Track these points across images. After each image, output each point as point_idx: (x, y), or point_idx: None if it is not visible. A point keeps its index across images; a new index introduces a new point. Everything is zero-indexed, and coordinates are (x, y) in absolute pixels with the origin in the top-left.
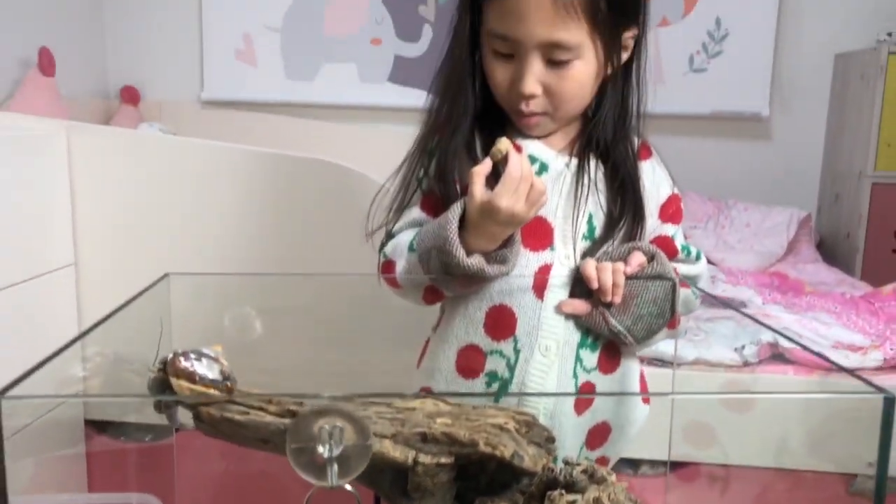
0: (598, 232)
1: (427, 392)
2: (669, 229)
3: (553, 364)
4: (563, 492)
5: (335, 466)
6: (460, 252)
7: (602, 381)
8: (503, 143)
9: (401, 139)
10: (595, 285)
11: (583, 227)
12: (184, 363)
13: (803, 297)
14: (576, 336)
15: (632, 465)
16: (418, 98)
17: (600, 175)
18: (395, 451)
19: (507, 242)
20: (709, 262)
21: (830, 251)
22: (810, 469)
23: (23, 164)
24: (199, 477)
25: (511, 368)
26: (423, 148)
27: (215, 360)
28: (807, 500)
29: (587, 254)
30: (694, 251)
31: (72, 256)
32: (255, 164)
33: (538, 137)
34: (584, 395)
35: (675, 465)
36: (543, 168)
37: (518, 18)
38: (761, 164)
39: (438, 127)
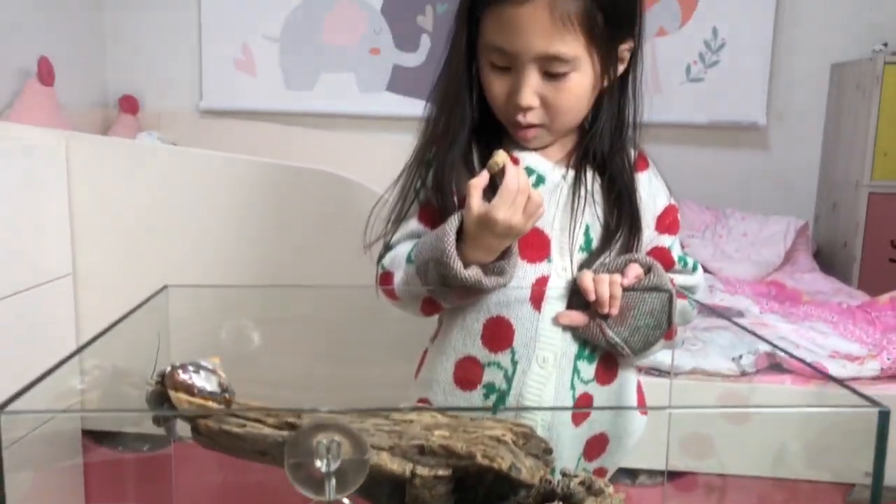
0: (595, 243)
1: (425, 403)
2: (666, 240)
3: (550, 375)
4: (561, 503)
5: (333, 481)
6: (458, 264)
7: (599, 393)
8: (500, 156)
9: (399, 148)
10: (592, 297)
11: (580, 239)
12: (182, 376)
13: (800, 307)
14: (573, 347)
15: (630, 474)
16: (417, 107)
17: (597, 187)
18: (393, 464)
19: (505, 254)
20: (706, 271)
21: (828, 260)
22: (808, 479)
23: (22, 173)
24: (197, 488)
25: (509, 380)
26: (420, 159)
27: (213, 372)
28: None
29: (584, 265)
30: (691, 262)
31: (70, 266)
32: (253, 174)
33: (535, 149)
34: (581, 409)
35: (673, 475)
36: (540, 180)
37: (515, 31)
38: (759, 174)
39: (436, 138)
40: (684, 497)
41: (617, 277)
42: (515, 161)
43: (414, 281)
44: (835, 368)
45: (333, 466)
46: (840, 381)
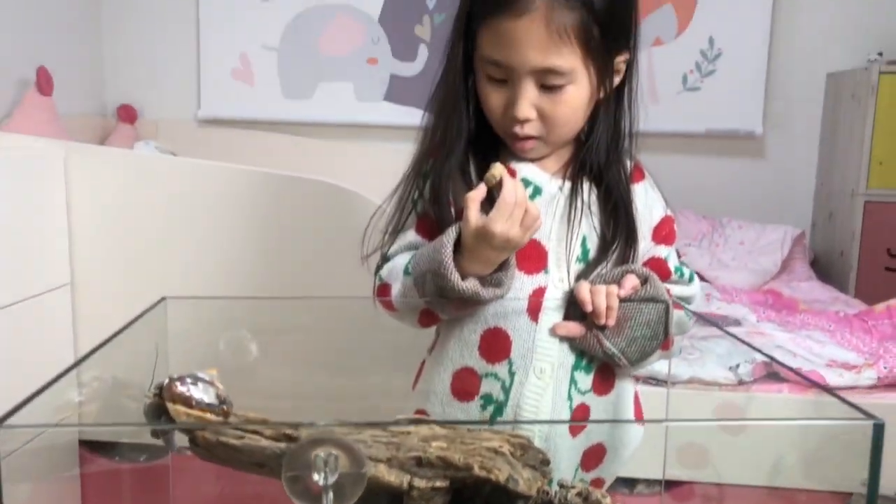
0: (591, 254)
1: (422, 415)
2: (662, 251)
3: (548, 386)
4: None
5: (330, 494)
6: (455, 276)
7: (597, 403)
8: (497, 169)
9: (397, 157)
10: (589, 308)
11: (576, 250)
12: (180, 388)
13: (797, 315)
14: (570, 358)
15: (628, 484)
16: (414, 117)
17: (594, 198)
18: (391, 476)
19: (503, 266)
20: (704, 279)
21: (824, 269)
22: (805, 488)
23: (20, 183)
24: (195, 499)
25: (506, 391)
26: (417, 171)
27: (211, 383)
28: None
29: (581, 276)
30: (687, 273)
31: (68, 276)
32: (251, 184)
33: (532, 160)
34: (578, 423)
35: (671, 485)
36: (537, 191)
37: (512, 45)
38: (755, 182)
39: (433, 150)
40: None
41: (614, 288)
42: (512, 173)
43: (411, 292)
44: (832, 377)
45: (331, 480)
46: (835, 394)
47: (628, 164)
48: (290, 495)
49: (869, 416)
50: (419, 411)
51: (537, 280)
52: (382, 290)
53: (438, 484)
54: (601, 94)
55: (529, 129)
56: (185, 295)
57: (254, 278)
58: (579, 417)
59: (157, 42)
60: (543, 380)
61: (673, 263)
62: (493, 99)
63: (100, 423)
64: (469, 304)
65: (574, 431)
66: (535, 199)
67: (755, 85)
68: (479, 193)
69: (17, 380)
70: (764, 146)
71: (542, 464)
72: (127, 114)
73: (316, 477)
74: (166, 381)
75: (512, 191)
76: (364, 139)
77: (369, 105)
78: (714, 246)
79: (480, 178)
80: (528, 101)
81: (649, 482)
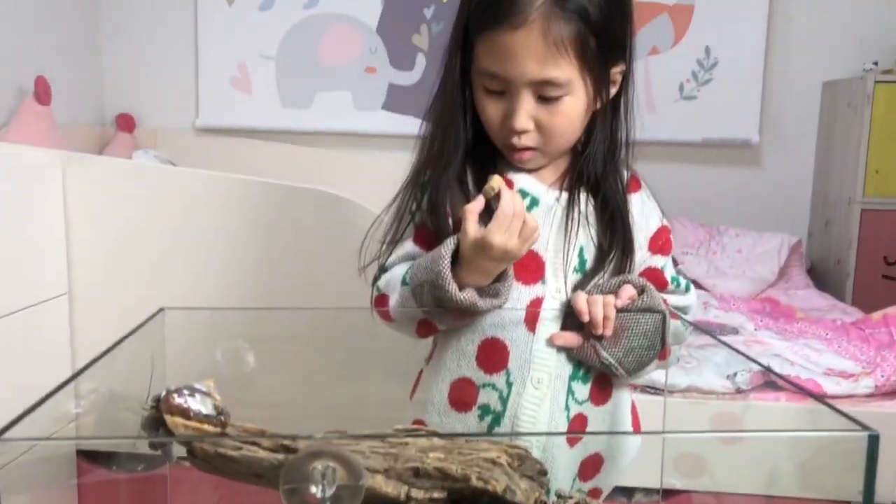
0: (588, 265)
1: (420, 425)
2: (659, 261)
3: (545, 396)
4: None
5: None
6: (453, 286)
7: (594, 413)
8: (495, 181)
9: (395, 166)
10: (586, 318)
11: (574, 261)
12: (177, 399)
13: (795, 324)
14: (567, 368)
15: (626, 493)
16: (412, 125)
17: (590, 208)
18: (388, 487)
19: (500, 276)
20: (701, 287)
21: (822, 277)
22: (802, 497)
23: (18, 193)
24: None
25: (503, 401)
26: (415, 182)
27: (208, 394)
28: None
29: (578, 287)
30: (683, 282)
31: (66, 285)
32: (249, 193)
33: (529, 171)
34: (575, 434)
35: (668, 494)
36: (534, 202)
37: (509, 57)
38: (752, 191)
39: (430, 161)
40: None
41: (611, 299)
42: (509, 183)
43: (409, 303)
44: (829, 386)
45: (329, 492)
46: (830, 405)
47: (625, 174)
48: None
49: (864, 427)
50: (417, 422)
51: (534, 290)
52: (380, 300)
53: (436, 495)
54: (598, 105)
55: (527, 140)
56: (183, 305)
57: (252, 288)
58: (577, 427)
59: (155, 51)
60: (541, 390)
61: (669, 273)
62: (491, 110)
63: (98, 436)
64: (467, 315)
65: (571, 442)
66: (533, 210)
67: (751, 94)
68: (477, 205)
69: (14, 390)
70: (760, 155)
71: (539, 474)
72: (125, 123)
73: (314, 490)
74: (164, 392)
75: (510, 202)
76: (362, 148)
77: (367, 114)
78: (711, 254)
79: (478, 188)
80: (526, 112)
81: (647, 491)
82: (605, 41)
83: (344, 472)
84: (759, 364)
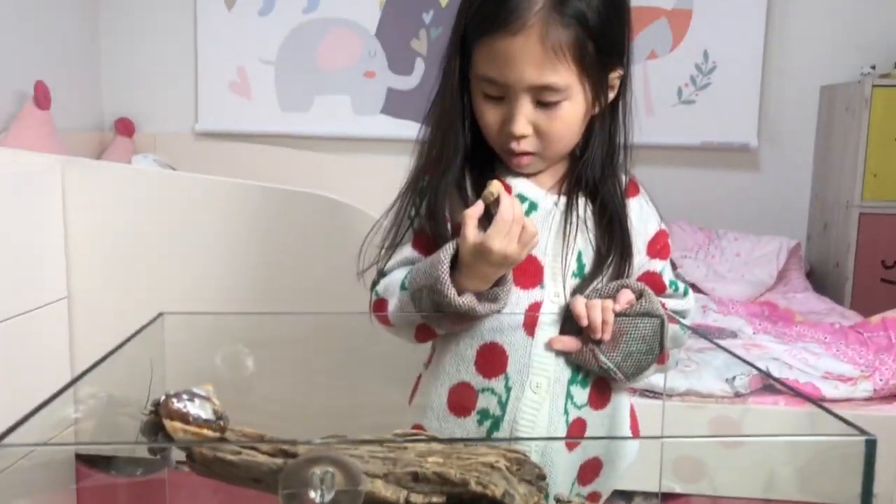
0: (587, 269)
1: (419, 430)
2: (657, 265)
3: (544, 401)
4: None
5: None
6: (451, 291)
7: (593, 417)
8: (495, 186)
9: (394, 170)
10: (585, 322)
11: (572, 265)
12: (177, 404)
13: (793, 327)
14: (566, 373)
15: (625, 497)
16: (411, 130)
17: (589, 213)
18: (387, 491)
19: (499, 281)
20: (700, 291)
21: (820, 280)
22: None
23: (17, 198)
24: None
25: (502, 406)
26: (414, 187)
27: (207, 399)
28: None
29: (577, 291)
30: (682, 287)
31: (65, 290)
32: (248, 198)
33: (527, 176)
34: (573, 439)
35: (667, 497)
36: (533, 207)
37: (507, 63)
38: (751, 194)
39: (429, 166)
40: None
41: (609, 303)
42: (508, 188)
43: (408, 308)
44: (828, 389)
45: (327, 497)
46: (827, 409)
47: (623, 178)
48: None
49: (861, 431)
50: (416, 426)
51: (533, 295)
52: (379, 305)
53: (435, 500)
54: (596, 110)
55: (526, 144)
56: (183, 310)
57: (251, 292)
58: (576, 432)
59: (154, 55)
60: (540, 394)
61: (668, 277)
62: (490, 115)
63: (97, 441)
64: (465, 320)
65: (570, 446)
66: (531, 215)
67: (750, 98)
68: (476, 210)
69: (12, 394)
70: (759, 158)
71: (538, 479)
72: (125, 127)
73: (313, 494)
74: (163, 397)
75: (509, 208)
76: (361, 152)
77: (366, 118)
78: (710, 258)
79: (477, 193)
80: (525, 117)
81: (647, 495)
82: (604, 46)
83: (343, 477)
84: (757, 368)
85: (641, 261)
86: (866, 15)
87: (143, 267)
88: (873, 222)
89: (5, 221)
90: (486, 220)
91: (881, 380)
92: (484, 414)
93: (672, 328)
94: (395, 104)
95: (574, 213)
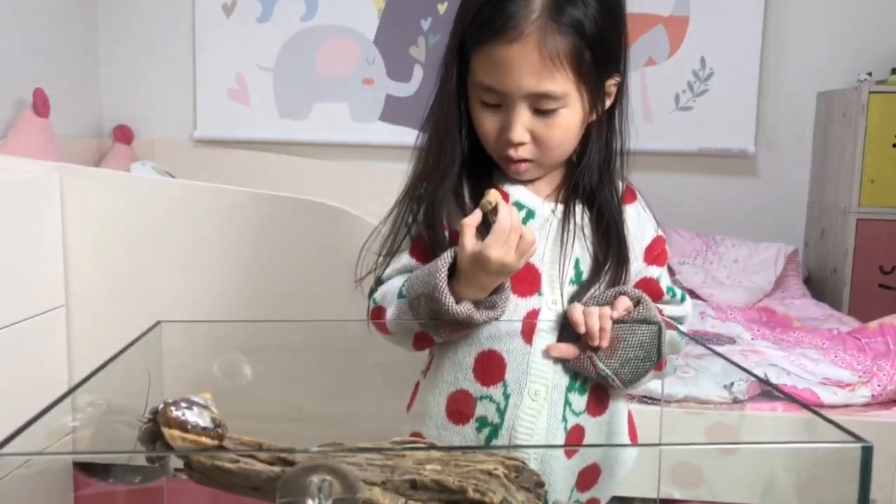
0: (584, 276)
1: (417, 437)
2: (654, 271)
3: (542, 408)
4: None
5: None
6: (449, 299)
7: (591, 424)
8: (493, 195)
9: (393, 177)
10: (582, 329)
11: (570, 272)
12: (175, 412)
13: (791, 333)
14: (564, 380)
15: (623, 503)
16: (410, 137)
17: (586, 220)
18: (385, 499)
19: (497, 289)
20: (698, 297)
21: (818, 286)
22: None
23: (15, 206)
24: None
25: (501, 413)
26: (411, 195)
27: (205, 407)
28: None
29: (574, 298)
30: (679, 293)
31: (63, 298)
32: (246, 205)
33: (525, 183)
34: (571, 446)
35: (666, 503)
36: (530, 215)
37: (505, 71)
38: (748, 201)
39: (427, 174)
40: None
41: (606, 310)
42: (505, 196)
43: (406, 316)
44: (826, 395)
45: None
46: (824, 416)
47: (620, 185)
48: None
49: (858, 438)
50: (414, 434)
51: (531, 302)
52: (377, 312)
53: None
54: (593, 117)
55: (523, 152)
56: (181, 318)
57: (249, 300)
58: (574, 438)
59: (153, 62)
60: (538, 401)
61: (665, 283)
62: (487, 123)
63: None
64: (463, 328)
65: (569, 453)
66: (528, 223)
67: (747, 104)
68: (474, 219)
69: (10, 403)
70: (756, 164)
71: (536, 486)
72: (123, 134)
73: (311, 503)
74: (161, 405)
75: (507, 216)
76: (359, 159)
77: (365, 125)
78: (708, 264)
79: (474, 201)
80: (522, 125)
81: (644, 501)
82: (601, 54)
83: (341, 485)
84: (755, 376)
85: (638, 267)
86: (863, 21)
87: (142, 275)
88: (871, 228)
89: (3, 229)
90: (484, 228)
91: (879, 385)
92: (482, 421)
93: (670, 335)
94: (393, 111)
95: (571, 221)
